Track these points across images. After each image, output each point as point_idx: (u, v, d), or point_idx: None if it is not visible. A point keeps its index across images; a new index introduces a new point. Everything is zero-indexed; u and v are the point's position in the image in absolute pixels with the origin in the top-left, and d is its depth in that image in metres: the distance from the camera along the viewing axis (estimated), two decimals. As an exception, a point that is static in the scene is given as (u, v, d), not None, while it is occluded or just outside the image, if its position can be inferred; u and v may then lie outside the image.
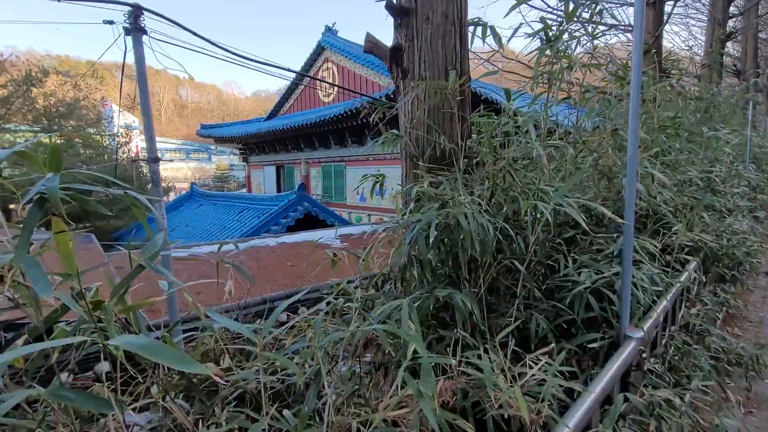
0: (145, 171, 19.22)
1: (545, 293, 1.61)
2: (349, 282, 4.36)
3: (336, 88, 16.57)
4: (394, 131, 2.38)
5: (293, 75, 16.67)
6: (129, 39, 3.60)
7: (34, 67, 14.39)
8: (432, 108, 2.25)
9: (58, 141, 15.26)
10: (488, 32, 2.52)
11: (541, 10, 7.37)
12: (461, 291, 1.39)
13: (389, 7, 2.27)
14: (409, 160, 2.38)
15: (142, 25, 3.58)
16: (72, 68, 18.24)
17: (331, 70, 16.62)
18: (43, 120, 14.88)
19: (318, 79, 15.12)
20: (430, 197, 1.55)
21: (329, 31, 16.92)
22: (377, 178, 2.39)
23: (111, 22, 3.44)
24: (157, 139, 3.76)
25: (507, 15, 2.31)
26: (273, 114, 19.87)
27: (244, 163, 21.86)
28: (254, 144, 19.56)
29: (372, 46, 2.51)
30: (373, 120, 2.58)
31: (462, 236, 1.21)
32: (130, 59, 3.55)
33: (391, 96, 10.78)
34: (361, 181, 2.31)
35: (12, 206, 14.89)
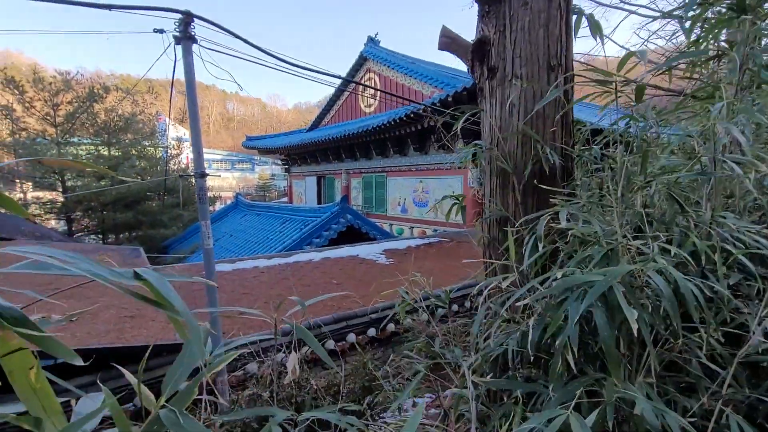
0: (193, 182, 19.96)
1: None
2: (409, 304, 3.89)
3: (377, 99, 16.44)
4: (478, 142, 1.97)
5: (333, 87, 16.75)
6: (179, 49, 3.47)
7: (96, 85, 15.33)
8: (530, 113, 1.82)
9: (116, 153, 16.12)
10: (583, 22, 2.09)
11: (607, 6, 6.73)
12: (625, 377, 0.94)
13: (475, -7, 1.88)
14: (496, 177, 1.95)
15: (192, 33, 3.42)
16: (132, 86, 19.36)
17: (373, 80, 16.51)
18: (103, 134, 15.76)
19: (366, 86, 15.00)
20: (559, 235, 1.11)
21: (372, 41, 16.87)
22: (458, 199, 1.98)
23: (161, 31, 3.30)
24: (205, 150, 3.57)
25: None
26: (314, 125, 20.04)
27: (286, 174, 22.19)
28: (296, 155, 19.78)
29: (449, 42, 2.12)
30: (438, 127, 2.18)
31: (646, 305, 0.77)
32: (180, 74, 3.40)
33: (436, 104, 10.35)
34: (445, 196, 1.91)
35: (75, 215, 15.64)
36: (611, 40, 7.57)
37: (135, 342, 3.09)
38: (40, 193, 15.17)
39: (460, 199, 1.97)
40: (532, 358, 1.14)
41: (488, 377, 1.05)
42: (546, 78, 1.80)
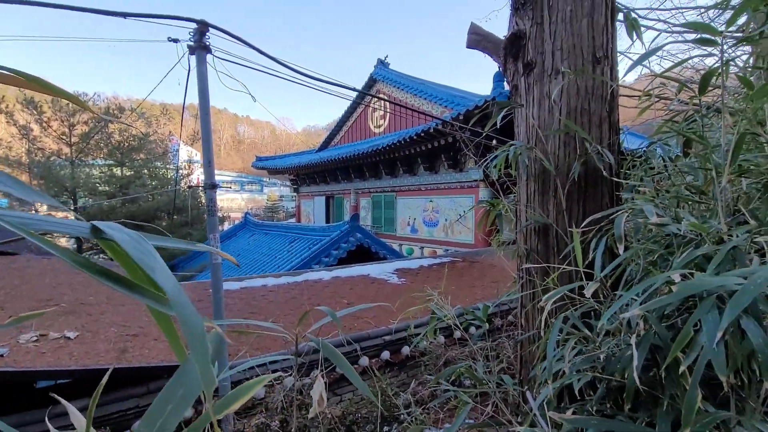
0: (202, 201, 20.01)
1: None
2: (417, 326, 3.64)
3: (387, 119, 16.55)
4: (513, 142, 1.80)
5: (344, 108, 17.00)
6: (193, 60, 3.41)
7: (112, 105, 15.68)
8: (573, 110, 1.65)
9: (128, 173, 16.28)
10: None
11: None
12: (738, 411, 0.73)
13: (510, -16, 1.76)
14: (534, 182, 1.77)
15: (207, 43, 3.36)
16: (147, 110, 19.74)
17: (382, 102, 16.65)
18: (116, 153, 15.97)
19: (380, 98, 15.15)
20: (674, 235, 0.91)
21: (381, 64, 17.13)
22: (492, 205, 1.79)
23: (176, 41, 3.24)
24: (216, 171, 3.46)
25: None
26: (324, 146, 20.18)
27: (294, 194, 22.23)
28: (305, 175, 19.84)
29: (479, 39, 1.99)
30: (459, 137, 2.02)
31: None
32: (193, 87, 3.32)
33: (434, 129, 10.29)
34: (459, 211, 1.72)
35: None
36: (624, 54, 7.48)
37: (136, 363, 2.88)
38: (53, 212, 15.27)
39: (497, 205, 1.78)
40: (606, 387, 0.93)
41: (569, 413, 0.84)
42: (591, 71, 1.63)
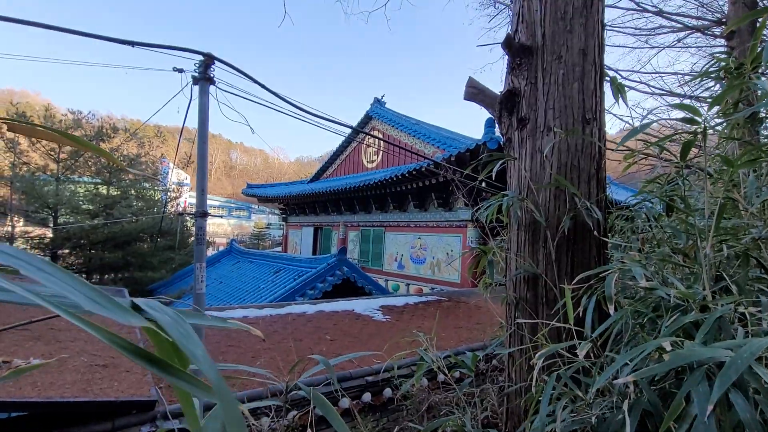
0: (189, 225, 19.67)
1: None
2: (400, 367, 3.52)
3: (379, 156, 16.89)
4: (507, 192, 1.85)
5: (338, 141, 17.35)
6: (195, 89, 3.48)
7: (106, 124, 15.68)
8: (564, 165, 1.73)
9: (114, 193, 16.06)
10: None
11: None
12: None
13: (506, 46, 1.87)
14: (525, 232, 1.81)
15: (211, 75, 3.46)
16: (141, 131, 19.73)
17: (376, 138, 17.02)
18: (104, 172, 15.81)
19: (375, 137, 15.47)
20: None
21: (377, 102, 17.67)
22: (485, 252, 1.82)
23: (180, 71, 3.33)
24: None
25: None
26: (316, 177, 20.34)
27: (282, 223, 22.12)
28: (295, 205, 19.84)
29: (475, 92, 2.09)
30: (453, 180, 2.08)
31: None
32: (192, 113, 3.38)
33: (426, 168, 10.53)
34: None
35: (61, 252, 15.19)
36: (610, 112, 7.91)
37: (103, 396, 2.73)
38: (30, 228, 14.82)
39: (488, 252, 1.81)
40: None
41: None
42: (581, 131, 1.73)
